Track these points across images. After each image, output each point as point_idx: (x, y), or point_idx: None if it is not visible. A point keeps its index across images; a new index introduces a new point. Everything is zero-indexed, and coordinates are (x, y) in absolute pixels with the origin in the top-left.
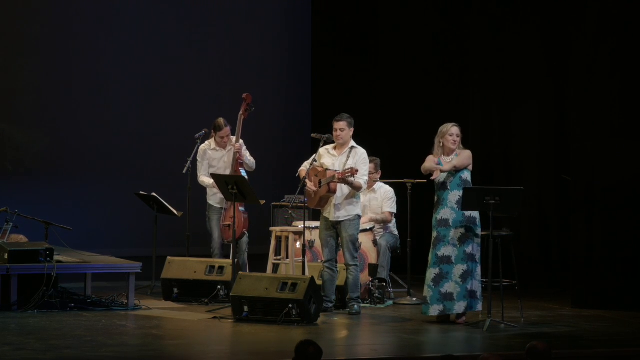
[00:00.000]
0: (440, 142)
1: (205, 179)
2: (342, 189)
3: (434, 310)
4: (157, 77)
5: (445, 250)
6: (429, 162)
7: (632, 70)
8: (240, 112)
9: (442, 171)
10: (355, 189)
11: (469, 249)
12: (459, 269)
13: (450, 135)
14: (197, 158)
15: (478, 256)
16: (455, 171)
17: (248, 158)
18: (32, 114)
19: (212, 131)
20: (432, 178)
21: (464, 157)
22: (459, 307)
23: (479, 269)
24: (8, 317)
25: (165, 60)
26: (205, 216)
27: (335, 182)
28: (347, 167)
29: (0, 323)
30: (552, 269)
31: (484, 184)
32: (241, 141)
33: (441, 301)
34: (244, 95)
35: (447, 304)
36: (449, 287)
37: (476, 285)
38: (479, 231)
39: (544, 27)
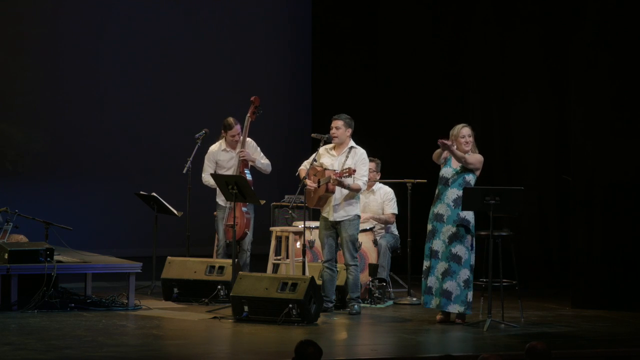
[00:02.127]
0: (452, 145)
1: (208, 179)
2: (341, 189)
3: (422, 301)
4: (158, 78)
5: (436, 244)
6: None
7: (632, 70)
8: (248, 115)
9: (454, 156)
10: (353, 190)
11: (454, 249)
12: (442, 266)
13: (462, 137)
14: (205, 159)
15: (467, 260)
16: (462, 170)
17: (261, 162)
18: (32, 114)
19: (222, 131)
20: (444, 157)
21: (476, 158)
22: (435, 302)
23: (464, 273)
24: (8, 317)
25: (166, 60)
26: (214, 215)
27: (330, 183)
28: (345, 167)
29: (0, 323)
30: (552, 269)
31: (485, 184)
32: (253, 143)
33: (423, 293)
34: (252, 98)
35: (426, 297)
36: (431, 281)
37: (452, 286)
38: (469, 235)
39: (544, 27)
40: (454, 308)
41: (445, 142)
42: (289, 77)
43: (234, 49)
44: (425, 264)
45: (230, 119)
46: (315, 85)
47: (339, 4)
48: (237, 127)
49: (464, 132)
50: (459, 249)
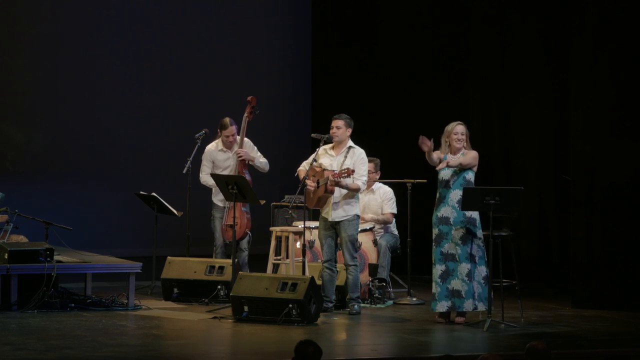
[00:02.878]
0: (446, 141)
1: (207, 179)
2: (340, 189)
3: (442, 306)
4: (157, 78)
5: (449, 248)
6: (436, 154)
7: (632, 71)
8: (245, 114)
9: (448, 166)
10: (352, 190)
11: (470, 249)
12: (464, 267)
13: (455, 134)
14: (202, 159)
15: (479, 257)
16: (460, 170)
17: (260, 160)
18: (32, 114)
19: (218, 130)
20: (438, 168)
21: (470, 156)
22: (468, 305)
23: (478, 270)
24: (8, 317)
25: (165, 60)
26: (211, 215)
27: (328, 184)
28: (344, 167)
29: (0, 323)
30: (552, 269)
31: (484, 184)
32: (250, 142)
33: (449, 298)
34: (249, 98)
35: (456, 301)
36: (456, 284)
37: (476, 286)
38: (479, 232)
39: (544, 27)
40: (481, 306)
41: (427, 143)
42: (289, 77)
43: (233, 49)
44: (440, 268)
45: (226, 119)
46: (315, 85)
47: (339, 3)
48: (233, 128)
49: (458, 129)
50: (474, 249)
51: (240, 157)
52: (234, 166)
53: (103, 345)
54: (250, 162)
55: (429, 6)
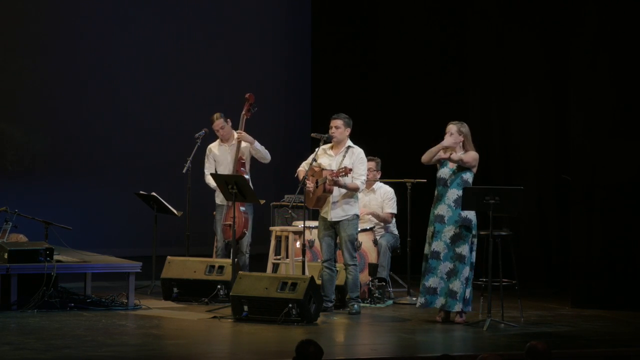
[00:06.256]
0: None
1: (209, 179)
2: (340, 189)
3: (419, 302)
4: (157, 77)
5: (437, 246)
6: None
7: (632, 70)
8: (243, 112)
9: (450, 160)
10: (351, 189)
11: (459, 249)
12: (445, 266)
13: (447, 132)
14: (205, 158)
15: (469, 258)
16: (459, 169)
17: (260, 146)
18: (32, 114)
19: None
20: (443, 157)
21: (470, 156)
22: (439, 302)
23: (466, 271)
24: (8, 317)
25: (166, 60)
26: (214, 215)
27: (327, 183)
28: (342, 166)
29: (0, 323)
30: (552, 269)
31: (484, 184)
32: (246, 135)
33: (424, 294)
34: (247, 95)
35: (429, 298)
36: (433, 281)
37: (458, 286)
38: (474, 233)
39: (544, 26)
40: (458, 307)
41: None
42: (289, 77)
43: (233, 49)
44: (425, 265)
45: (214, 115)
46: (315, 85)
47: (338, 3)
48: (220, 122)
49: (448, 128)
50: (463, 249)
51: (240, 137)
52: (232, 158)
53: (103, 344)
54: (251, 150)
55: (429, 6)
